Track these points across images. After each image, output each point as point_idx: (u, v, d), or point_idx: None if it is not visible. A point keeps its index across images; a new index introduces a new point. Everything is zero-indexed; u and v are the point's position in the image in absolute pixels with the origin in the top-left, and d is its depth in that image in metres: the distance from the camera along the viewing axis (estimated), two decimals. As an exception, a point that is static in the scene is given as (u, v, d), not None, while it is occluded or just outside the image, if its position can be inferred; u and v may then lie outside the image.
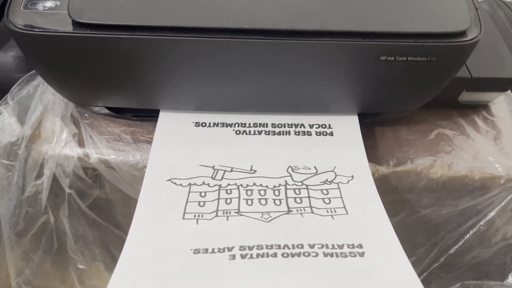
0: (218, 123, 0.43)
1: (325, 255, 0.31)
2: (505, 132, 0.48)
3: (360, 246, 0.32)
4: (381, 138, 0.46)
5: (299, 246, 0.32)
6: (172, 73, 0.37)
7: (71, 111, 0.45)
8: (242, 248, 0.32)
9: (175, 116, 0.44)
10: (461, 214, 0.48)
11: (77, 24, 0.34)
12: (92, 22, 0.33)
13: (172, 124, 0.43)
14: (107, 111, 0.43)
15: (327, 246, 0.32)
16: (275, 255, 0.31)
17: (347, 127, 0.43)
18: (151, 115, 0.44)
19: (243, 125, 0.43)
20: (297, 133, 0.42)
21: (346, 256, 0.31)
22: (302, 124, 0.43)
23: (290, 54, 0.35)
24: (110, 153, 0.43)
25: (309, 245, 0.32)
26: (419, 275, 0.52)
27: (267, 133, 0.42)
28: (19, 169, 0.43)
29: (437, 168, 0.44)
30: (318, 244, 0.32)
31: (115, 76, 0.38)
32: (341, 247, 0.32)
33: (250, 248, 0.32)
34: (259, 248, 0.32)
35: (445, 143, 0.46)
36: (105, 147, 0.43)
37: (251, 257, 0.31)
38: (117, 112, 0.44)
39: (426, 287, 0.53)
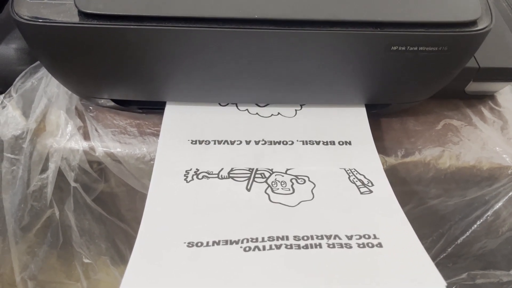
0: (219, 241, 0.32)
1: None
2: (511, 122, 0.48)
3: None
4: (389, 129, 0.46)
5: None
6: (180, 64, 0.37)
7: (76, 104, 0.45)
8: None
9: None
10: (468, 205, 0.48)
11: (83, 15, 0.33)
12: (99, 12, 0.33)
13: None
14: (112, 103, 0.43)
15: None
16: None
17: (399, 235, 0.32)
18: (157, 108, 0.44)
19: (253, 240, 0.32)
20: (331, 246, 0.31)
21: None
22: (336, 235, 0.32)
23: (300, 44, 0.35)
24: (116, 146, 0.43)
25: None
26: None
27: (288, 247, 0.31)
28: (24, 163, 0.42)
29: (445, 159, 0.44)
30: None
31: (122, 67, 0.37)
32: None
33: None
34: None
35: (453, 134, 0.46)
36: (111, 140, 0.43)
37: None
38: (123, 105, 0.43)
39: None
